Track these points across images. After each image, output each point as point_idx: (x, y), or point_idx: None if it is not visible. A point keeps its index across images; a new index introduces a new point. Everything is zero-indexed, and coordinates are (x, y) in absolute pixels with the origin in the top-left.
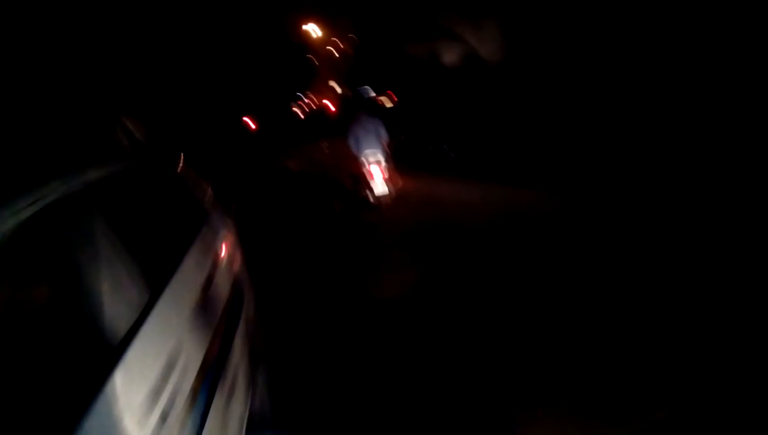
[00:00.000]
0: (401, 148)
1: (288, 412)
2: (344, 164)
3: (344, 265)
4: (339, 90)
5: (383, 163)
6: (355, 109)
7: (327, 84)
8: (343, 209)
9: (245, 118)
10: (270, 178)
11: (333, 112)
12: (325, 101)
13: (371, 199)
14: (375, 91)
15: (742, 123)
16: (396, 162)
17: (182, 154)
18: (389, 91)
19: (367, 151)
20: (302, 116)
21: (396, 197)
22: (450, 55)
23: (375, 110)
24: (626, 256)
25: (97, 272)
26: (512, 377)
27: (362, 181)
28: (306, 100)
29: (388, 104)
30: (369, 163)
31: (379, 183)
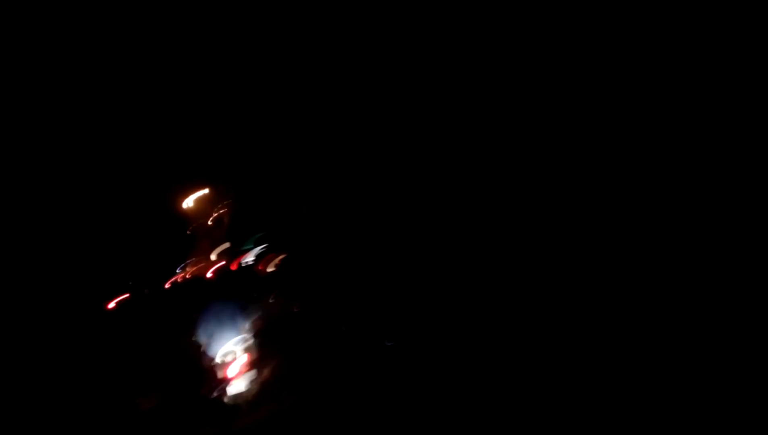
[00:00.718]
0: (293, 321)
1: None
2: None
3: None
4: (216, 258)
5: (242, 356)
6: (212, 293)
7: (207, 253)
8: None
9: (110, 303)
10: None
11: (211, 281)
12: (207, 271)
13: (229, 400)
14: (261, 251)
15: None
16: (279, 339)
17: None
18: (271, 255)
19: (223, 346)
20: (178, 294)
21: (262, 389)
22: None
23: (253, 277)
24: None
25: None
26: None
27: (218, 380)
28: (183, 275)
29: (270, 268)
30: (226, 360)
31: (237, 380)
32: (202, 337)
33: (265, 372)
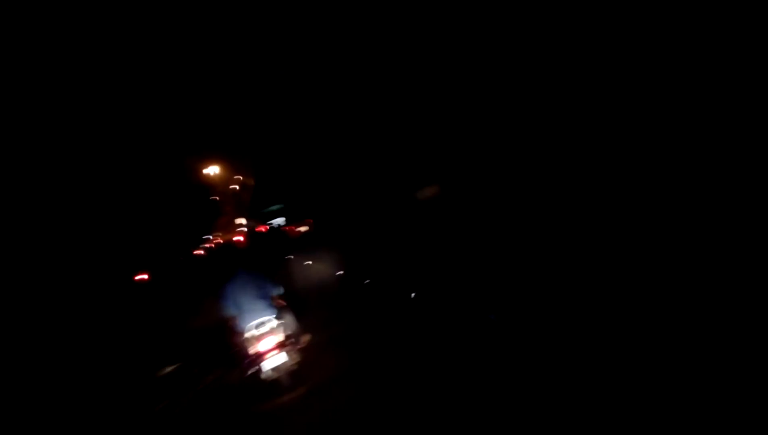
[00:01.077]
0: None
1: None
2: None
3: None
4: (245, 223)
5: (275, 328)
6: (235, 262)
7: (233, 220)
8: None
9: (140, 275)
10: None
11: (242, 246)
12: (236, 238)
13: (266, 376)
14: (290, 216)
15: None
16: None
17: None
18: (308, 220)
19: (254, 321)
20: (207, 260)
21: (303, 361)
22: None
23: (285, 239)
24: None
25: None
26: None
27: (251, 357)
28: (213, 241)
29: (303, 229)
30: (259, 335)
31: (272, 354)
32: (231, 310)
33: (306, 344)
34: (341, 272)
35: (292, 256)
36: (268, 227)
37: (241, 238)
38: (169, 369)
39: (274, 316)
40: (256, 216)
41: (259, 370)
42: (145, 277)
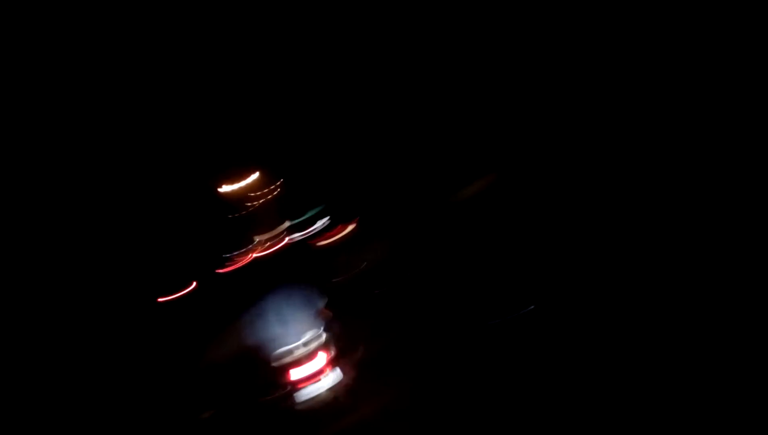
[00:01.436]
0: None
1: None
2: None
3: None
4: (273, 239)
5: (322, 345)
6: (270, 279)
7: (262, 235)
8: None
9: (165, 297)
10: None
11: (268, 265)
12: (263, 254)
13: (301, 407)
14: (324, 225)
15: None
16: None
17: None
18: (338, 227)
19: (295, 341)
20: (234, 283)
21: (342, 393)
22: None
23: (312, 256)
24: None
25: None
26: None
27: (285, 385)
28: (239, 260)
29: (327, 242)
30: (301, 357)
31: (309, 384)
32: (262, 334)
33: (345, 370)
34: (378, 291)
35: (325, 275)
36: (293, 243)
37: (267, 256)
38: (207, 413)
39: (321, 329)
40: (288, 230)
41: (295, 400)
42: (167, 298)
